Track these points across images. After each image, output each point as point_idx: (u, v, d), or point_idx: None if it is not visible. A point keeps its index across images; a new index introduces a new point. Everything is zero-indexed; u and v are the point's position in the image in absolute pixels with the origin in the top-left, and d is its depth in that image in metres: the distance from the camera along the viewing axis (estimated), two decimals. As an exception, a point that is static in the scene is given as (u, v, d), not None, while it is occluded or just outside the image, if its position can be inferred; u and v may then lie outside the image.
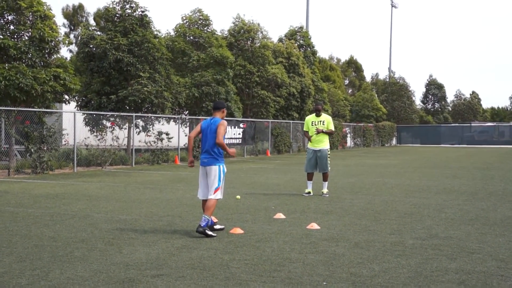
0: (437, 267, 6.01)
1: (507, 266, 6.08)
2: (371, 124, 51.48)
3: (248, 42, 32.96)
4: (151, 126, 23.77)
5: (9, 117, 17.68)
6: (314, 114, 12.71)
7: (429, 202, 11.40)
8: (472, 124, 61.46)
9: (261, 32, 33.76)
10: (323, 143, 12.48)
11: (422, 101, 73.46)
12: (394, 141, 58.80)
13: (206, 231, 7.60)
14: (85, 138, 20.14)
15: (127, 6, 23.80)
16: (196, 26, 29.17)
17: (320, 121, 12.56)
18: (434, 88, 72.64)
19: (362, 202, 11.28)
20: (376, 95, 60.15)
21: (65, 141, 20.19)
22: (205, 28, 29.29)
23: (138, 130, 23.43)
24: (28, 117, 18.03)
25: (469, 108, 73.62)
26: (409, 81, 70.82)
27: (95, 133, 21.15)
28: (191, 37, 29.01)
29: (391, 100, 62.18)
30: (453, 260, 6.35)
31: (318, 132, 12.36)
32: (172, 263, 6.14)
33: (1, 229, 8.05)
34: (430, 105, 73.04)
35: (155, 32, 24.65)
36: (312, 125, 12.58)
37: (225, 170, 8.14)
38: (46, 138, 18.09)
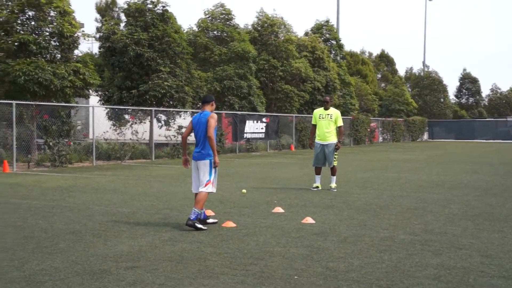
0: (418, 263, 5.84)
1: (491, 262, 5.87)
2: (401, 119, 50.68)
3: (272, 36, 32.81)
4: (172, 120, 23.90)
5: (27, 111, 18.01)
6: (323, 107, 12.56)
7: (438, 197, 11.14)
8: (508, 119, 59.85)
9: (285, 26, 33.55)
10: (331, 137, 12.31)
11: (456, 96, 71.98)
12: (425, 136, 57.78)
13: (196, 224, 7.57)
14: (104, 132, 20.39)
15: (148, 1, 23.94)
16: (219, 20, 29.18)
17: (328, 114, 12.37)
18: (468, 82, 71.10)
19: (368, 197, 11.09)
20: (408, 90, 59.16)
21: (84, 135, 20.47)
22: (228, 23, 29.27)
23: (160, 124, 23.60)
24: (47, 112, 18.34)
25: (506, 102, 71.79)
26: (443, 75, 69.12)
27: (113, 127, 21.38)
28: (214, 32, 29.03)
29: (423, 95, 61.14)
30: (437, 255, 6.16)
31: (338, 148, 12.25)
32: (151, 255, 6.13)
33: (-2, 221, 8.19)
34: (464, 100, 71.52)
35: (176, 27, 24.72)
36: (319, 118, 12.41)
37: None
38: (64, 132, 18.38)
